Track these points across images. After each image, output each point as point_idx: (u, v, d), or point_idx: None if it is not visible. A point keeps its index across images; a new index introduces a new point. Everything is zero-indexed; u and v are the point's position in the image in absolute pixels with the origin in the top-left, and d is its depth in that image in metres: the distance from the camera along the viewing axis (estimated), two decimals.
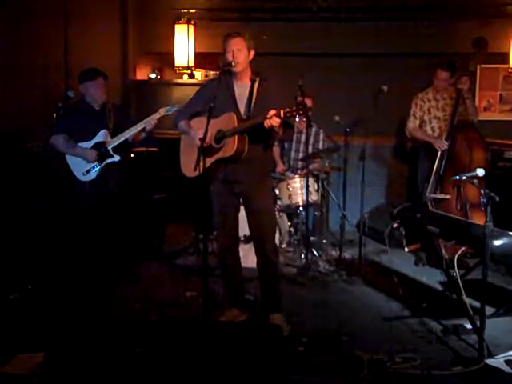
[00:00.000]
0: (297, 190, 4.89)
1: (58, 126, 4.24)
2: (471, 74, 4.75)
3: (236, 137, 3.19)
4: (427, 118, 4.97)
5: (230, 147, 3.21)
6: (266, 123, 3.06)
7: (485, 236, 2.95)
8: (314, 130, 5.37)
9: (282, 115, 3.04)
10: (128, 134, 4.17)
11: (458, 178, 3.52)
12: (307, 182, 4.69)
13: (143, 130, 4.18)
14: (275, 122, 3.05)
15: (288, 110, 3.04)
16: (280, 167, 5.33)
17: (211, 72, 6.37)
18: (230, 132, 3.22)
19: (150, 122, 4.15)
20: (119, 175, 4.31)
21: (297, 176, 4.97)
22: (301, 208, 4.95)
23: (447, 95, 4.91)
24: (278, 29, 6.01)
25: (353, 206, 5.17)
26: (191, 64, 6.19)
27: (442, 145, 4.62)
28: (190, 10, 6.19)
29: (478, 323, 3.12)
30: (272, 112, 3.05)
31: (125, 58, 6.35)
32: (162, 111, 4.17)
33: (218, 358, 2.70)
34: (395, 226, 4.88)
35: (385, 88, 4.69)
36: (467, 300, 3.31)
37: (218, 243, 3.59)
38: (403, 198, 5.79)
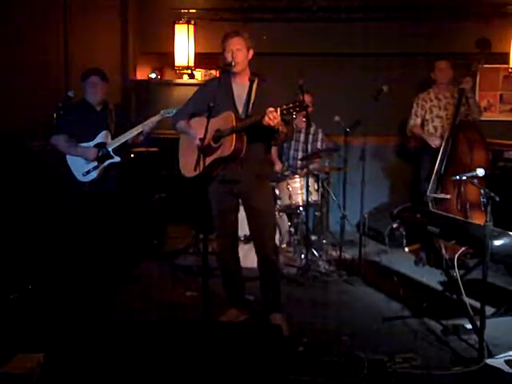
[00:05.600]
0: (297, 190, 4.88)
1: (59, 125, 4.27)
2: (473, 74, 4.75)
3: (234, 135, 3.19)
4: (429, 116, 4.98)
5: (228, 146, 3.21)
6: (265, 120, 3.05)
7: (485, 236, 2.95)
8: (312, 129, 5.37)
9: (278, 112, 3.04)
10: (129, 136, 4.17)
11: (457, 177, 3.52)
12: (307, 182, 4.69)
13: (142, 132, 4.18)
14: (274, 118, 3.04)
15: (285, 106, 3.03)
16: (278, 166, 5.33)
17: (211, 72, 6.38)
18: (228, 131, 3.22)
19: (149, 124, 4.16)
20: (119, 176, 4.31)
21: (297, 176, 4.96)
22: (301, 208, 4.95)
23: (449, 94, 4.92)
24: (278, 29, 6.01)
25: (353, 206, 5.17)
26: (191, 64, 6.19)
27: (435, 142, 4.66)
28: (190, 10, 6.19)
29: (478, 323, 3.12)
30: (271, 109, 3.05)
31: (125, 57, 6.35)
32: (163, 113, 4.18)
33: (218, 359, 2.70)
34: (395, 226, 4.89)
35: (385, 88, 4.69)
36: (467, 300, 3.31)
37: (218, 243, 3.59)
38: (404, 197, 5.78)
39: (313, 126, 5.35)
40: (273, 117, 3.03)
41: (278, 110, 3.04)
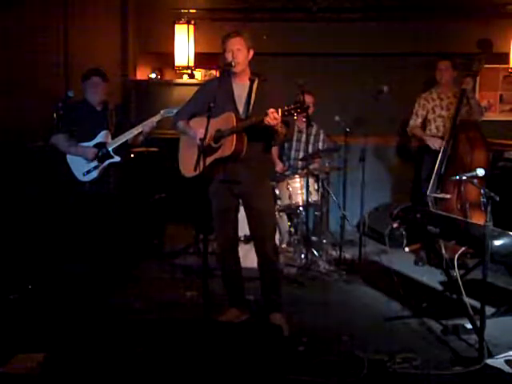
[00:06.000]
0: (297, 190, 4.88)
1: (59, 125, 4.26)
2: (475, 75, 4.75)
3: (234, 136, 3.19)
4: (431, 116, 4.97)
5: (229, 146, 3.21)
6: (266, 120, 3.05)
7: (485, 236, 2.95)
8: (314, 129, 5.37)
9: (279, 113, 3.04)
10: (129, 136, 4.17)
11: (457, 177, 3.52)
12: (307, 182, 4.69)
13: (142, 132, 4.18)
14: (276, 119, 3.04)
15: (286, 108, 3.03)
16: (279, 166, 5.32)
17: (211, 72, 6.38)
18: (228, 131, 3.22)
19: (148, 124, 4.16)
20: (119, 176, 4.31)
21: (297, 176, 4.96)
22: (301, 208, 4.95)
23: (451, 94, 4.90)
24: (278, 29, 6.02)
25: (353, 206, 5.17)
26: (191, 64, 6.19)
27: (437, 143, 4.66)
28: (190, 10, 6.19)
29: (478, 323, 3.12)
30: (272, 110, 3.05)
31: (125, 57, 6.35)
32: (163, 113, 4.17)
33: (218, 358, 2.70)
34: (395, 226, 4.90)
35: (385, 88, 4.70)
36: (467, 300, 3.31)
37: (218, 244, 3.59)
38: (404, 197, 5.79)
39: (314, 127, 5.35)
40: (274, 117, 3.04)
41: (279, 111, 3.04)
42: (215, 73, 6.33)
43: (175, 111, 3.81)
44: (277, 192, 4.93)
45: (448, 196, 4.52)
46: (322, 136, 5.42)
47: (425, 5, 5.84)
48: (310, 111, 4.94)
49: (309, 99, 5.02)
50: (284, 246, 5.01)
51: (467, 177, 3.45)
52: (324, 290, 4.32)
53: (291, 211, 5.08)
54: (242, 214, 3.53)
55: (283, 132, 3.21)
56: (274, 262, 3.52)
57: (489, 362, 2.99)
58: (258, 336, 2.89)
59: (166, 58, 6.38)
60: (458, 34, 5.77)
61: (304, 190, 4.73)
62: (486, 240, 2.95)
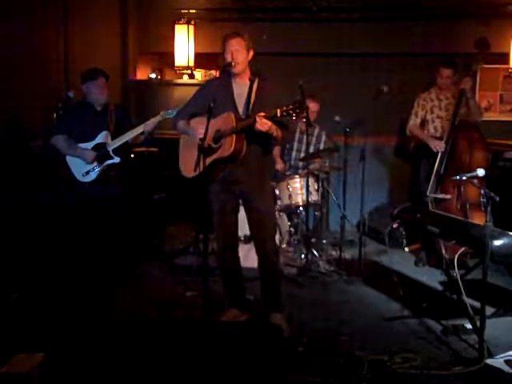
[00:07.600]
0: (297, 190, 4.88)
1: (59, 126, 4.27)
2: (473, 75, 4.74)
3: (234, 136, 3.19)
4: (430, 117, 4.96)
5: (228, 146, 3.21)
6: (256, 127, 3.06)
7: (485, 236, 2.95)
8: (316, 130, 5.38)
9: (278, 114, 3.04)
10: (129, 136, 4.17)
11: (457, 177, 3.52)
12: (307, 182, 4.69)
13: (143, 132, 4.18)
14: (265, 123, 3.05)
15: (284, 108, 3.03)
16: (279, 165, 5.32)
17: (211, 72, 6.39)
18: (228, 131, 3.22)
19: (150, 124, 4.16)
20: (119, 176, 4.31)
21: (297, 176, 4.97)
22: (301, 208, 4.95)
23: (450, 95, 4.90)
24: (278, 29, 6.02)
25: (353, 206, 5.17)
26: (191, 64, 6.19)
27: (439, 146, 4.64)
28: (190, 10, 6.19)
29: (478, 323, 3.12)
30: (262, 114, 3.05)
31: (125, 58, 6.36)
32: (163, 114, 4.17)
33: (218, 358, 2.70)
34: (395, 226, 4.90)
35: (385, 88, 4.70)
36: (467, 300, 3.31)
37: (218, 244, 3.58)
38: (404, 197, 5.78)
39: (316, 128, 5.36)
40: (262, 122, 3.04)
41: (278, 111, 3.04)
42: (215, 73, 6.33)
43: (175, 112, 3.81)
44: (277, 192, 4.93)
45: (448, 196, 4.52)
46: (323, 137, 5.42)
47: (425, 5, 5.84)
48: (313, 117, 4.93)
49: (313, 106, 5.04)
50: (284, 246, 5.02)
51: (467, 177, 3.45)
52: (324, 290, 4.32)
53: (291, 211, 5.09)
54: (242, 214, 3.53)
55: (279, 135, 3.20)
56: (274, 262, 3.52)
57: (489, 362, 2.99)
58: (258, 336, 2.88)
59: (166, 58, 6.38)
60: (457, 34, 5.76)
61: (304, 190, 4.73)
62: (486, 240, 2.95)
